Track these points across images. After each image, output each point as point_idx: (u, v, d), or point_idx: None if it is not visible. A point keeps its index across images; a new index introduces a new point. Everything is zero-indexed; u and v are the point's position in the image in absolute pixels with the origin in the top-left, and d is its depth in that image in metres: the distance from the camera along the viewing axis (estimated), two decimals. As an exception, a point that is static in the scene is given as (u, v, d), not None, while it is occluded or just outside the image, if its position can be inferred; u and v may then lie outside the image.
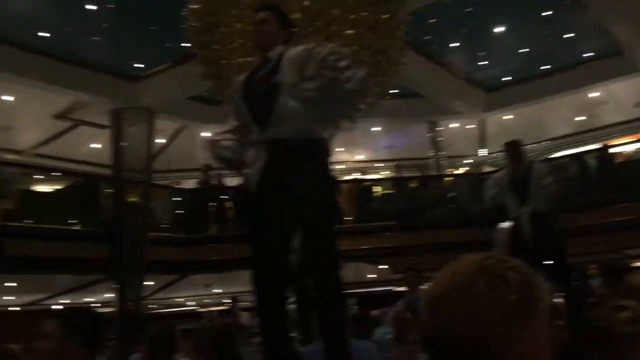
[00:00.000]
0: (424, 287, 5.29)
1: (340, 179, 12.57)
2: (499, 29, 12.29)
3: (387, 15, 5.55)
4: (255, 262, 2.54)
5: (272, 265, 2.50)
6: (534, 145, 12.16)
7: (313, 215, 2.50)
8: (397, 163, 14.36)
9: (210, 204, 12.85)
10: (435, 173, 14.34)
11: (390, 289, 12.35)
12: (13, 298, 11.52)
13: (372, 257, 11.46)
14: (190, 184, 13.69)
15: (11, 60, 9.73)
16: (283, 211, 2.48)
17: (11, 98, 11.67)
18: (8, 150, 12.93)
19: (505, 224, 5.12)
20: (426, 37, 11.59)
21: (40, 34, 9.91)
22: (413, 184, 13.43)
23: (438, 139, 14.91)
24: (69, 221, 11.23)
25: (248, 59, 4.98)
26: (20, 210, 9.99)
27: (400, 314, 4.46)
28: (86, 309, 2.54)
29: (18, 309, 12.19)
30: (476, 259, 0.96)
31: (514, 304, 0.90)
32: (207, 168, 12.96)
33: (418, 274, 5.59)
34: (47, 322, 2.07)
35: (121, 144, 11.31)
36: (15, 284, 9.53)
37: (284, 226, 2.51)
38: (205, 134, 14.65)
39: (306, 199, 2.47)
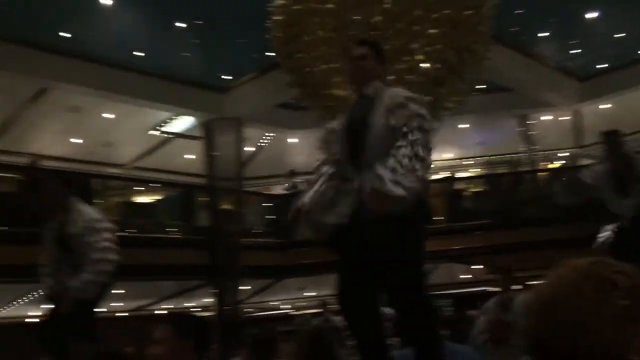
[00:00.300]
0: (516, 287, 5.13)
1: (429, 178, 12.42)
2: (591, 15, 11.70)
3: (470, 12, 5.45)
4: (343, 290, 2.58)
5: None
6: (636, 134, 11.46)
7: (395, 267, 2.46)
8: (487, 160, 13.99)
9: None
10: (528, 168, 13.83)
11: (485, 289, 12.05)
12: (121, 304, 12.19)
13: (465, 257, 11.23)
14: (279, 189, 13.99)
15: (111, 79, 10.33)
16: (366, 255, 2.47)
17: (111, 115, 12.40)
18: (110, 165, 13.75)
19: (609, 227, 4.87)
20: (513, 29, 11.24)
21: (135, 53, 10.48)
22: (505, 181, 13.05)
23: (530, 133, 14.38)
24: (168, 229, 11.78)
25: (331, 65, 5.04)
26: (124, 220, 10.60)
27: (496, 317, 4.35)
28: (194, 315, 2.67)
29: (126, 314, 12.88)
30: (582, 263, 0.95)
31: (625, 309, 0.88)
32: (292, 173, 13.21)
33: (508, 274, 5.41)
34: (159, 328, 2.20)
35: (213, 153, 11.79)
36: (122, 291, 10.09)
37: (368, 265, 2.50)
38: (292, 140, 14.93)
39: (390, 255, 2.42)
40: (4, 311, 11.55)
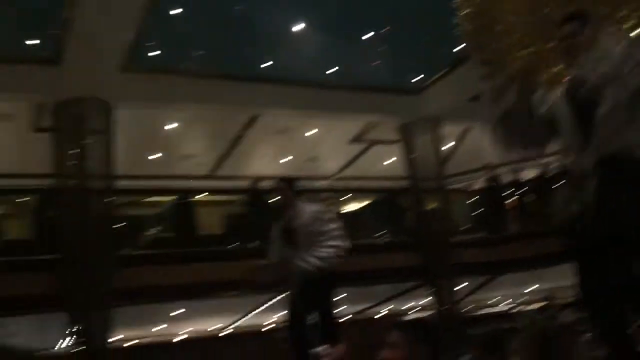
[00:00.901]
0: None
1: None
2: None
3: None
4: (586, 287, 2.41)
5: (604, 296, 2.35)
6: None
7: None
8: None
9: (506, 201, 12.61)
10: None
11: None
12: (343, 308, 12.79)
13: None
14: (481, 184, 13.64)
15: (310, 98, 10.95)
16: (612, 244, 2.29)
17: (314, 132, 13.17)
18: (317, 178, 14.57)
19: None
20: None
21: (329, 70, 11.01)
22: None
23: None
24: (377, 234, 12.12)
25: (530, 49, 4.80)
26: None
27: None
28: (427, 320, 2.75)
29: (350, 316, 13.45)
30: None
31: None
32: (489, 167, 12.78)
33: None
34: (394, 332, 2.31)
35: (412, 155, 11.88)
36: (345, 295, 10.60)
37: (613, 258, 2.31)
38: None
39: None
40: (243, 320, 12.86)
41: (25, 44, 8.97)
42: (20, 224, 10.19)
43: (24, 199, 10.97)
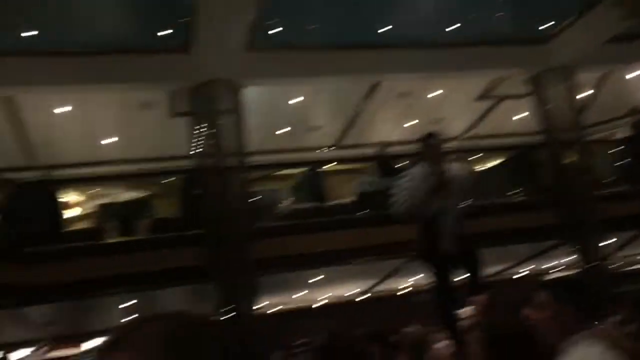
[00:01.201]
0: None
1: None
2: None
3: None
4: None
5: None
6: None
7: None
8: None
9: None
10: None
11: None
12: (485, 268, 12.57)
13: None
14: (626, 132, 12.68)
15: (430, 59, 10.65)
16: None
17: (438, 93, 12.89)
18: (445, 139, 14.27)
19: None
20: None
21: (447, 29, 10.62)
22: None
23: None
24: (512, 192, 11.69)
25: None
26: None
27: None
28: (575, 279, 2.65)
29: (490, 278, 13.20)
30: None
31: None
32: (635, 111, 11.79)
33: None
34: (540, 293, 2.25)
35: (546, 107, 11.24)
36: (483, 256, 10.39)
37: None
38: (633, 74, 13.27)
39: None
40: (380, 285, 13.07)
41: (158, 35, 9.57)
42: (167, 203, 11.04)
43: (170, 179, 11.87)
